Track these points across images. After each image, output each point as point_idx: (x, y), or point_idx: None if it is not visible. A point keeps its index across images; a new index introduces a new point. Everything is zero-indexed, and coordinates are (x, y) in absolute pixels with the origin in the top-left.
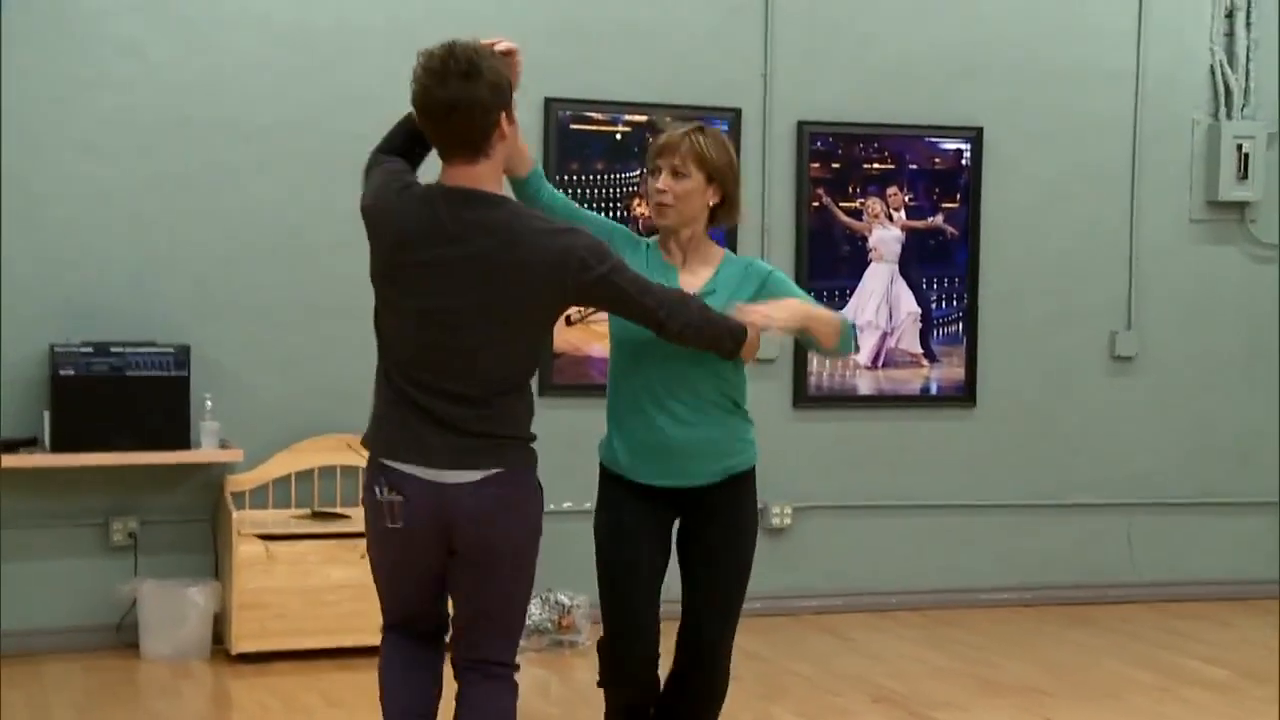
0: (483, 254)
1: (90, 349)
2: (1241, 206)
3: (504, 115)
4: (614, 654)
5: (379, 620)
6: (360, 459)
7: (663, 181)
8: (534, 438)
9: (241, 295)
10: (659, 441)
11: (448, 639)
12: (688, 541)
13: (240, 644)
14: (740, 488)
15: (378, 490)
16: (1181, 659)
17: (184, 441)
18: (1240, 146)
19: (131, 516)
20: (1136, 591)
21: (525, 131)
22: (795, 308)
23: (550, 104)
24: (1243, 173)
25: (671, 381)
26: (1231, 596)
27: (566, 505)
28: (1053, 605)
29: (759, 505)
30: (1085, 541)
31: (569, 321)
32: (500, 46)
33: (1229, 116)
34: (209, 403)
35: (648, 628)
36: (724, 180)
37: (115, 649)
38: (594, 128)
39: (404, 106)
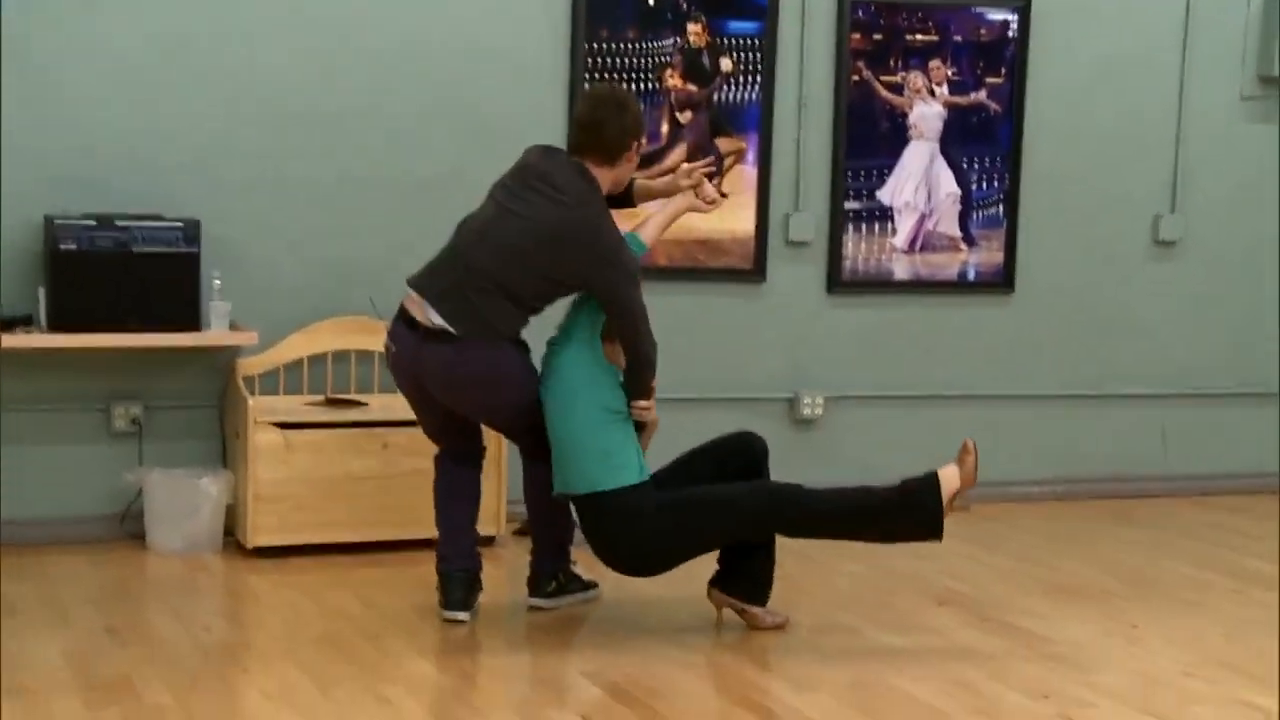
0: (540, 200)
1: (93, 222)
2: None
3: (635, 145)
4: None
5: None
6: (378, 343)
7: None
8: (505, 334)
9: (252, 167)
10: None
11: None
12: None
13: (257, 537)
14: None
15: (386, 336)
16: (1243, 558)
17: (194, 323)
18: None
19: (134, 402)
20: (1172, 485)
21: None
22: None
23: None
24: None
25: None
26: (1268, 489)
27: None
28: (1089, 499)
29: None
30: (1122, 434)
31: None
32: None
33: None
34: (217, 282)
35: None
36: None
37: (120, 540)
38: None
39: None
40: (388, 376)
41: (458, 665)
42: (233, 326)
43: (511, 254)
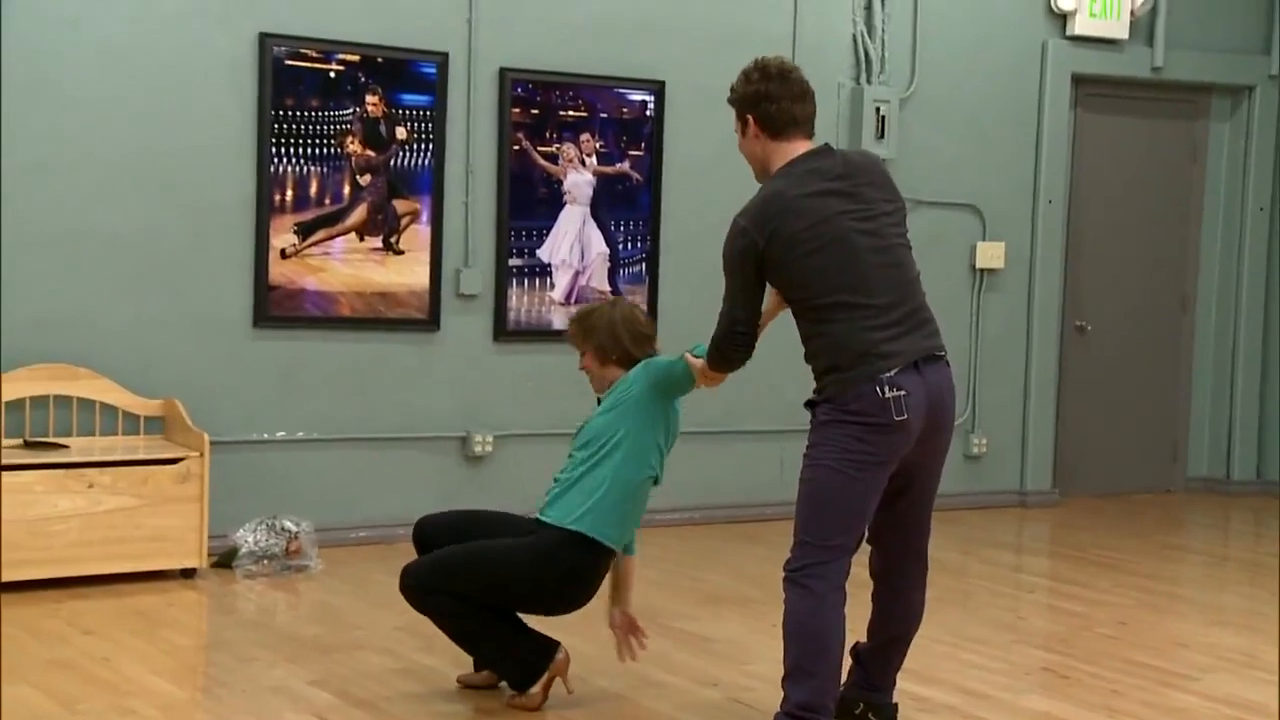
0: (874, 191)
1: None
2: None
3: (742, 117)
4: None
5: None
6: (76, 388)
7: (580, 362)
8: None
9: None
10: None
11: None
12: None
13: None
14: None
15: (880, 390)
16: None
17: None
18: (879, 109)
19: None
20: (788, 509)
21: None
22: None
23: (265, 39)
24: (880, 132)
25: None
26: None
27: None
28: (717, 524)
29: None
30: (745, 465)
31: (284, 255)
32: None
33: (869, 81)
34: None
35: None
36: (607, 346)
37: None
38: (308, 65)
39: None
40: (87, 419)
41: (191, 681)
42: None
43: (904, 240)
